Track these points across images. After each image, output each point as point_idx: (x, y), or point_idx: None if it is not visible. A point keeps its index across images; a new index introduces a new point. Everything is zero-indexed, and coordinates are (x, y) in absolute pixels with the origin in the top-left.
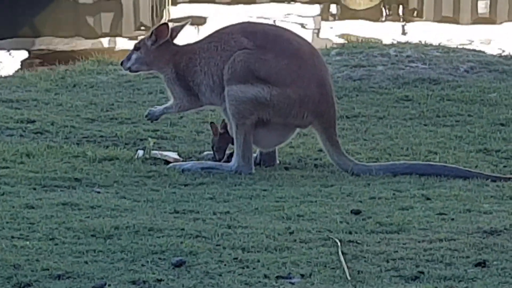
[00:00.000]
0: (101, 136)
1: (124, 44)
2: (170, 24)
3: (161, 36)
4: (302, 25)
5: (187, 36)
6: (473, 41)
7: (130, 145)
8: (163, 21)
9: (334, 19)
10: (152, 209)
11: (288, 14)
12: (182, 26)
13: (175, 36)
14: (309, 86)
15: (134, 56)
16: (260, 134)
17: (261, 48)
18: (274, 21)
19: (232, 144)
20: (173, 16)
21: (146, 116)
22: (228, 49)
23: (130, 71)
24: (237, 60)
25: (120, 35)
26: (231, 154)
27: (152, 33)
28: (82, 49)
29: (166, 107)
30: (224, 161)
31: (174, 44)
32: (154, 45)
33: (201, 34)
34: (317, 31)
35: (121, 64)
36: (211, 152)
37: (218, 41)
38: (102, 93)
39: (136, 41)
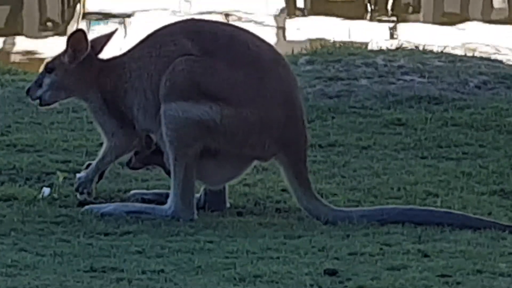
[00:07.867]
0: None
1: (25, 45)
2: (95, 33)
3: (81, 49)
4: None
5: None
6: (487, 46)
7: (33, 180)
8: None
9: (303, 15)
10: (61, 266)
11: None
12: (108, 37)
13: (100, 50)
14: (273, 105)
15: (47, 81)
16: (206, 166)
17: (209, 53)
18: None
19: (160, 165)
20: (89, 9)
21: (77, 189)
22: (165, 55)
23: (42, 102)
24: (177, 70)
25: (20, 33)
26: (167, 194)
27: (68, 46)
28: None
29: (98, 161)
30: (157, 203)
31: (98, 59)
32: (73, 63)
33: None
34: (279, 31)
35: (27, 92)
36: (140, 191)
37: (153, 46)
38: None
39: (47, 60)
